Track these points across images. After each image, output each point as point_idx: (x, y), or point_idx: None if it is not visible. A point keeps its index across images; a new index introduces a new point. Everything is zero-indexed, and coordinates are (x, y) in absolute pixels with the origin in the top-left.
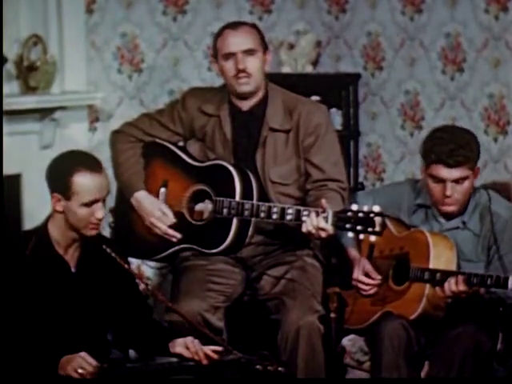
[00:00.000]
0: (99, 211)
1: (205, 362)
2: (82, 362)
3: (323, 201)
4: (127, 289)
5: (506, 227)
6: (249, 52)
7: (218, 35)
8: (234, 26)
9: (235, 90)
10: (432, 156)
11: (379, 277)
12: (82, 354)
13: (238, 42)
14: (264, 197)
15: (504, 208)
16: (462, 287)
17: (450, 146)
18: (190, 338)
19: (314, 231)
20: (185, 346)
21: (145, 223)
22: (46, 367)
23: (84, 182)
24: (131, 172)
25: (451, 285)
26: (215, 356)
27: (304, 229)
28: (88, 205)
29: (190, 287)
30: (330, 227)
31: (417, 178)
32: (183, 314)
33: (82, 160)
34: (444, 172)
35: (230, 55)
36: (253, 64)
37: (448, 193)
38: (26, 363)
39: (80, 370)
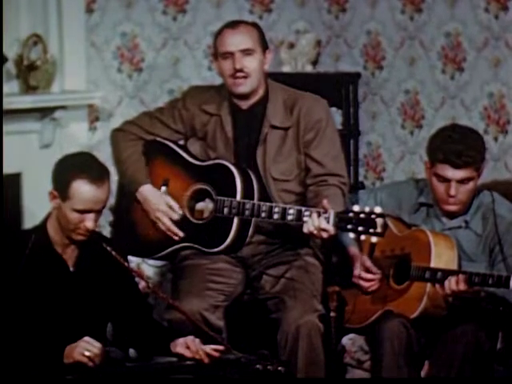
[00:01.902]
0: (89, 221)
1: (206, 360)
2: (88, 345)
3: (325, 201)
4: (126, 287)
5: (509, 229)
6: (246, 51)
7: (217, 34)
8: (233, 25)
9: (232, 90)
10: (439, 155)
11: (380, 272)
12: (86, 338)
13: (236, 41)
14: (265, 194)
15: (508, 210)
16: (462, 286)
17: (459, 146)
18: (190, 338)
19: (315, 232)
20: (185, 345)
21: (150, 217)
22: (45, 365)
23: (81, 190)
24: (134, 168)
25: (451, 284)
26: (216, 354)
27: (305, 229)
28: (80, 212)
29: (190, 286)
30: (331, 228)
31: (418, 178)
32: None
33: (87, 167)
34: (450, 172)
35: (227, 54)
36: (250, 64)
37: (452, 193)
38: (25, 360)
39: (87, 353)
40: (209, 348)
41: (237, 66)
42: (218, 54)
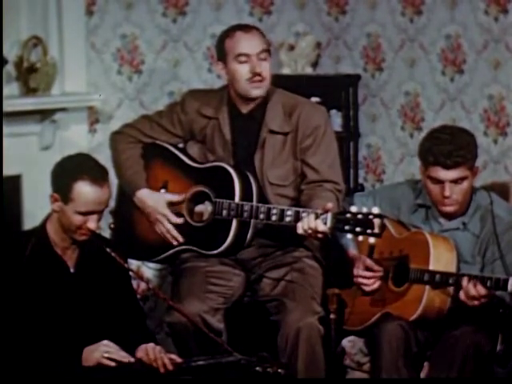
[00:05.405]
0: (92, 222)
1: (162, 370)
2: (108, 348)
3: (324, 203)
4: (124, 290)
5: (507, 229)
6: (263, 56)
7: (226, 37)
8: (245, 28)
9: (246, 93)
10: (430, 157)
11: (380, 269)
12: (105, 341)
13: (253, 45)
14: (262, 198)
15: (505, 210)
16: (482, 291)
17: (448, 147)
18: (151, 345)
19: (309, 231)
20: (145, 351)
21: (149, 220)
22: (43, 365)
23: (83, 191)
24: (132, 171)
25: (470, 289)
26: (171, 367)
27: (299, 230)
28: (83, 214)
29: (190, 289)
30: (326, 229)
31: (417, 179)
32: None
33: (88, 169)
34: (442, 173)
35: (244, 58)
36: (266, 68)
37: (447, 193)
38: (25, 362)
39: (106, 354)
40: (167, 358)
41: (257, 70)
42: (228, 57)
